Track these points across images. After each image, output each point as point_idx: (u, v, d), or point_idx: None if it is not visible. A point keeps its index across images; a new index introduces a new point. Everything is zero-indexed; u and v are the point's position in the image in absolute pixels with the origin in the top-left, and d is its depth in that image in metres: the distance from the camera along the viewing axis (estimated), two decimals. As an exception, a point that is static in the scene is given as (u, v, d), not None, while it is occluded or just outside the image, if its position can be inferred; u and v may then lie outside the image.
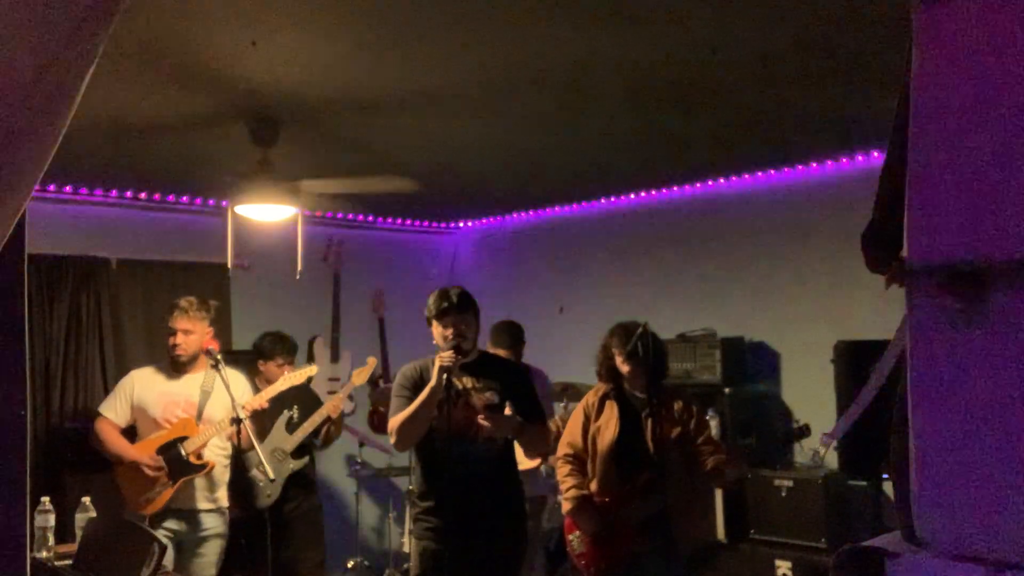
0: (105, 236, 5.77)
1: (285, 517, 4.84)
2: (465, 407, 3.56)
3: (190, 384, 4.33)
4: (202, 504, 4.25)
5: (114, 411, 4.31)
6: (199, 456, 4.22)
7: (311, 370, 4.65)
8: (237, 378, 4.34)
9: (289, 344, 5.03)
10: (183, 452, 4.19)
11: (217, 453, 4.32)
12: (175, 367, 4.33)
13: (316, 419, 4.85)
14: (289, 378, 4.54)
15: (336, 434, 5.11)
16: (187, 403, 4.29)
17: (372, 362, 5.36)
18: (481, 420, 3.49)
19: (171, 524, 4.19)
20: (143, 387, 4.32)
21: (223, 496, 4.35)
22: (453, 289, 3.62)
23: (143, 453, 4.18)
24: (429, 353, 3.64)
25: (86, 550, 3.43)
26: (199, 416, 4.27)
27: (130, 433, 4.35)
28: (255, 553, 4.76)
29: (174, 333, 4.28)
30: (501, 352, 4.68)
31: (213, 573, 4.26)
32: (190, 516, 4.23)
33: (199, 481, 4.23)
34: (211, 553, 4.26)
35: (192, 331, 4.29)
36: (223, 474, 4.36)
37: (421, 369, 3.64)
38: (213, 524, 4.28)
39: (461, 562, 3.49)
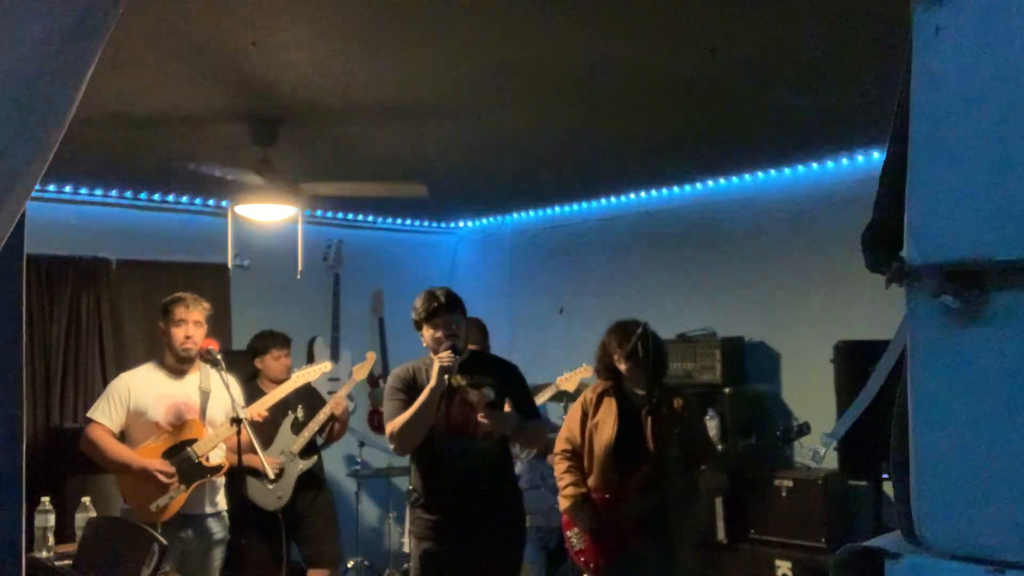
0: (105, 236, 5.77)
1: (299, 515, 4.87)
2: (462, 404, 3.56)
3: (188, 385, 4.11)
4: (208, 508, 4.11)
5: (108, 416, 3.98)
6: (208, 459, 4.04)
7: (325, 366, 4.67)
8: (232, 381, 4.13)
9: (280, 337, 5.04)
10: (194, 455, 3.98)
11: (223, 455, 4.18)
12: (172, 367, 4.10)
13: (321, 418, 4.87)
14: (302, 375, 4.55)
15: (341, 432, 5.09)
16: (188, 405, 4.08)
17: (371, 357, 5.38)
18: (481, 418, 3.48)
19: (183, 533, 3.99)
20: (139, 390, 4.03)
21: (223, 500, 4.23)
22: (439, 289, 3.60)
23: (151, 459, 3.92)
24: (429, 353, 3.63)
25: (86, 550, 3.44)
26: (202, 418, 4.09)
27: (119, 439, 4.08)
28: (267, 553, 4.75)
29: (183, 324, 4.01)
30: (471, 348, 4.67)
31: None
32: (199, 522, 4.07)
33: (206, 485, 4.08)
34: (216, 559, 4.15)
35: (202, 322, 4.07)
36: (221, 477, 4.25)
37: (413, 371, 3.63)
38: (218, 529, 4.16)
39: (461, 563, 3.49)
